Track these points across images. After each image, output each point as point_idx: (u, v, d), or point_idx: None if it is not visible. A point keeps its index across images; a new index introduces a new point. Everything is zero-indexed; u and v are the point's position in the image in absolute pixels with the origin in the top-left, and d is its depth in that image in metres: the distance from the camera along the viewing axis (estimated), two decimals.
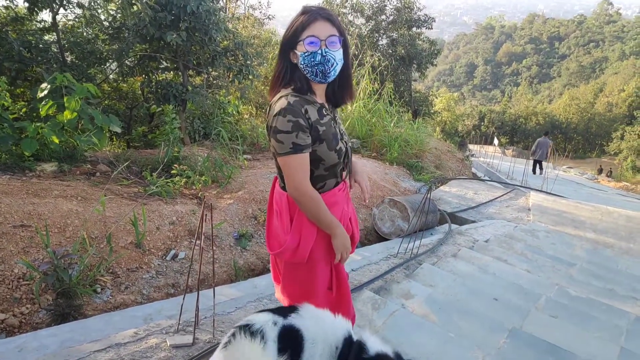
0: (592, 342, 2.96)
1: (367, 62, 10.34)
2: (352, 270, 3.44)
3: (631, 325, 3.39)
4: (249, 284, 3.44)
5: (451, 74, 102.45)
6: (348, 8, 13.64)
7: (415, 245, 4.24)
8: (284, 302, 1.82)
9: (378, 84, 10.33)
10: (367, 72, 9.51)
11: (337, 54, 1.56)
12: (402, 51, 12.62)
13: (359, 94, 9.31)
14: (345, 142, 1.72)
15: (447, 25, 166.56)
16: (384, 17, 13.25)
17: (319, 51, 1.52)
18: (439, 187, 7.95)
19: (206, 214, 2.46)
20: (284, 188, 1.67)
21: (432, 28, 13.39)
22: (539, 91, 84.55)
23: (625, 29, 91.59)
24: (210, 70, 7.37)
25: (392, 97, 10.35)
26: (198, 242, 3.87)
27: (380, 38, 13.38)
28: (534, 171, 13.72)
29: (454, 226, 5.76)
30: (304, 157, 1.53)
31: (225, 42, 7.12)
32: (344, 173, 1.77)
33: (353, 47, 11.31)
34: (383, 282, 3.32)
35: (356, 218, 1.92)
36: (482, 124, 42.90)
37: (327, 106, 1.68)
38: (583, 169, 29.33)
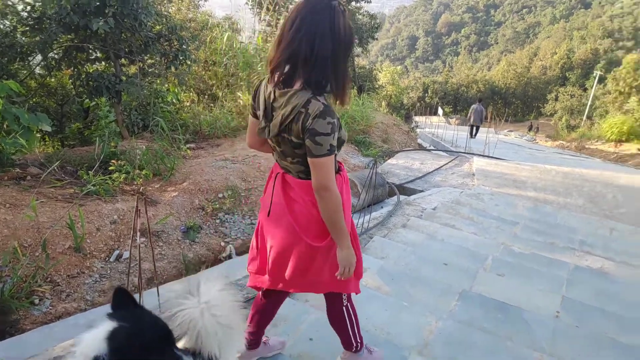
0: (536, 295, 3.11)
1: None
2: None
3: (570, 275, 3.60)
4: (200, 277, 3.36)
5: (394, 47, 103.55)
6: None
7: (366, 220, 4.28)
8: (319, 286, 1.76)
9: None
10: None
11: None
12: None
13: None
14: None
15: None
16: None
17: None
18: (387, 160, 8.07)
19: (140, 210, 2.35)
20: (304, 178, 1.60)
21: (371, 2, 13.37)
22: (478, 59, 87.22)
23: None
24: (145, 57, 7.01)
25: None
26: (139, 240, 3.72)
27: None
28: (470, 135, 14.38)
29: (402, 197, 5.88)
30: (334, 157, 1.52)
31: (157, 27, 6.77)
32: None
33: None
34: None
35: None
36: (426, 95, 43.84)
37: None
38: (522, 131, 30.79)
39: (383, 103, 22.23)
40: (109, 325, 1.10)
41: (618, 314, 2.98)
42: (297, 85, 1.46)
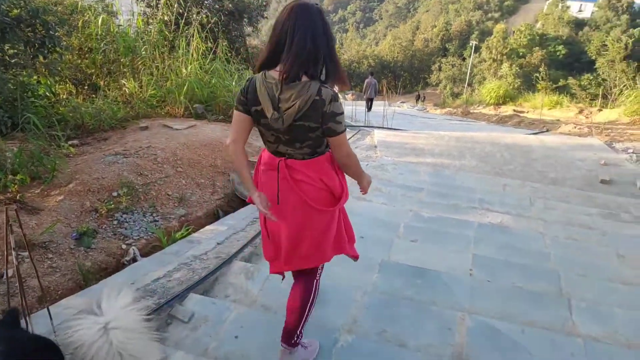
0: (449, 256, 3.23)
1: (194, 20, 9.58)
2: (218, 243, 3.20)
3: (476, 232, 3.81)
4: (101, 287, 2.99)
5: None
6: None
7: None
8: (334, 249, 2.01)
9: (211, 42, 9.69)
10: (195, 30, 8.81)
11: None
12: (230, 5, 12.00)
13: (192, 55, 8.63)
14: None
15: None
16: None
17: None
18: None
19: (13, 222, 1.97)
20: (318, 154, 1.80)
21: None
22: (366, 35, 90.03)
23: None
24: (5, 47, 6.05)
25: (229, 54, 9.85)
26: (23, 255, 3.21)
27: None
28: (368, 109, 14.80)
29: None
30: None
31: (15, 11, 5.85)
32: None
33: (176, 6, 10.36)
34: (253, 247, 3.15)
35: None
36: None
37: None
38: (413, 102, 32.60)
39: None
40: None
41: (520, 263, 3.21)
42: (304, 78, 1.65)
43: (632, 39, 20.42)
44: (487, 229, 3.95)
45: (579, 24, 48.45)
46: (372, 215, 4.03)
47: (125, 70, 8.15)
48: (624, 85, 17.39)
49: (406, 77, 47.79)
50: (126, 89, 7.64)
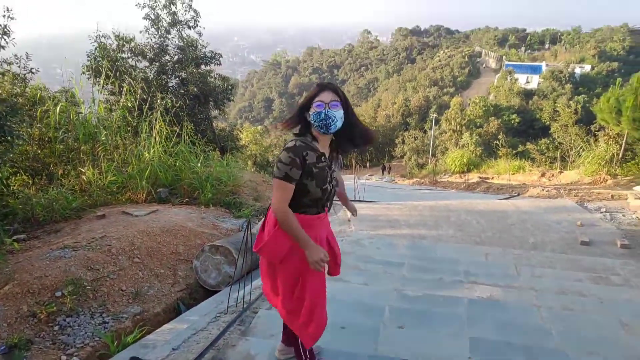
0: (444, 342, 2.84)
1: (158, 105, 9.49)
2: (174, 349, 2.71)
3: (467, 310, 3.45)
4: None
5: (251, 110, 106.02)
6: (127, 52, 12.56)
7: (247, 292, 3.71)
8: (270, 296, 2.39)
9: (177, 125, 9.56)
10: (158, 114, 8.68)
11: (338, 113, 2.08)
12: (195, 89, 12.10)
13: (155, 138, 8.41)
14: (332, 185, 2.21)
15: (238, 65, 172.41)
16: (168, 57, 12.56)
17: (324, 111, 2.05)
18: (261, 219, 7.61)
19: None
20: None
21: (220, 64, 13.24)
22: None
23: (385, 52, 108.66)
24: None
25: (194, 137, 9.70)
26: None
27: (169, 79, 12.64)
28: None
29: None
30: (290, 186, 2.03)
31: None
32: (326, 206, 2.25)
33: (140, 92, 10.33)
34: (216, 351, 2.68)
35: (336, 241, 2.46)
36: None
37: (326, 155, 2.17)
38: (381, 174, 33.18)
39: (249, 162, 22.05)
40: None
41: (523, 345, 2.85)
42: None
43: (579, 105, 21.78)
44: (478, 305, 3.60)
45: (528, 94, 51.96)
46: (354, 299, 3.63)
47: (84, 157, 7.81)
48: (581, 147, 18.15)
49: (372, 151, 49.09)
50: (84, 177, 7.25)
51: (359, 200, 9.65)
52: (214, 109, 13.77)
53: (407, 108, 52.62)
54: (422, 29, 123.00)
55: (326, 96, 2.08)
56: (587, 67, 60.06)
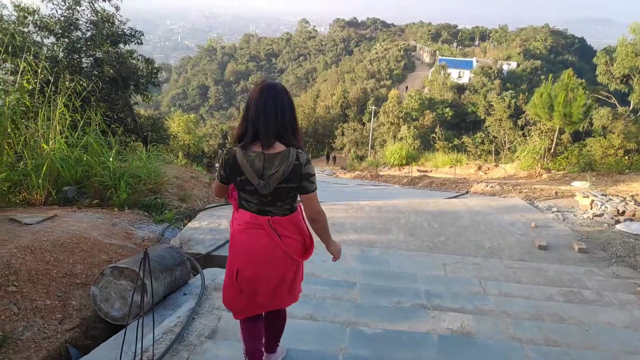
0: None
1: (62, 87, 8.03)
2: None
3: (438, 353, 2.75)
4: None
5: (185, 97, 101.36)
6: (30, 25, 10.77)
7: (156, 336, 2.76)
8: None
9: (88, 112, 8.14)
10: (60, 98, 7.26)
11: None
12: (111, 71, 10.58)
13: (55, 128, 7.02)
14: None
15: (171, 50, 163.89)
16: (79, 33, 10.91)
17: None
18: (187, 224, 6.55)
19: None
20: (289, 213, 2.18)
21: (142, 43, 11.70)
22: None
23: (323, 43, 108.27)
24: None
25: (107, 125, 8.34)
26: None
27: (81, 59, 11.00)
28: None
29: (212, 271, 4.48)
30: None
31: None
32: None
33: (45, 72, 8.77)
34: None
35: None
36: (227, 141, 43.29)
37: None
38: (321, 167, 32.56)
39: (180, 154, 20.47)
40: None
41: None
42: (278, 147, 2.02)
43: (512, 100, 22.38)
44: (449, 343, 2.90)
45: (460, 89, 53.70)
46: (295, 346, 2.79)
47: None
48: (516, 141, 18.55)
49: (312, 142, 48.50)
50: None
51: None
52: (136, 94, 12.27)
53: (346, 100, 52.44)
54: (359, 21, 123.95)
55: None
56: (514, 64, 63.27)
